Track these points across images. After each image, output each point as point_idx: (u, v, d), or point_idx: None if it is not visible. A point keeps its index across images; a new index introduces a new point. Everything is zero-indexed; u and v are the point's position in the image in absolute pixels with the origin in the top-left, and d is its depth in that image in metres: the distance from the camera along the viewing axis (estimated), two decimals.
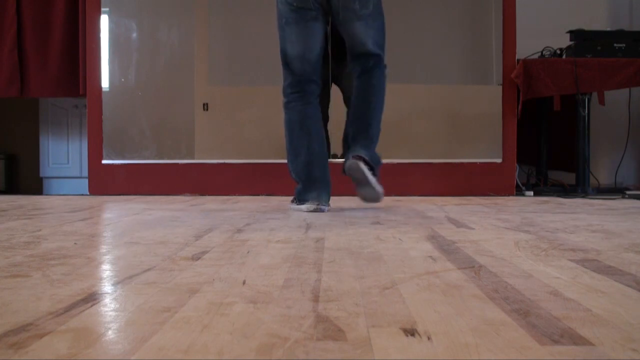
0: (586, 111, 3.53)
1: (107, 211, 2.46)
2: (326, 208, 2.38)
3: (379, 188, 2.40)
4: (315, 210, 2.35)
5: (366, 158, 2.33)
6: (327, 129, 3.47)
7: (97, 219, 2.12)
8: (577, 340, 0.64)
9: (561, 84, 3.42)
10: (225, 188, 3.59)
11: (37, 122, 4.71)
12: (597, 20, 4.15)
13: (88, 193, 3.69)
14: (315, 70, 2.41)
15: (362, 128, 2.42)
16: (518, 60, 3.54)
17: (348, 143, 2.46)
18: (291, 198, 2.55)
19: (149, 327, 0.69)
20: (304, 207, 2.38)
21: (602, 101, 3.50)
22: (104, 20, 3.68)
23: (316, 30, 2.36)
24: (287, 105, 2.43)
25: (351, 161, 2.33)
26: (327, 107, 3.34)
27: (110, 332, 0.68)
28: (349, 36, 2.40)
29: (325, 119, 3.48)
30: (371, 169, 2.35)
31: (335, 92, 3.51)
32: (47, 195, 3.96)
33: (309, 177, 2.38)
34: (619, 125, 3.97)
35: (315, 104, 2.43)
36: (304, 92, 2.40)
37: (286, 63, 2.42)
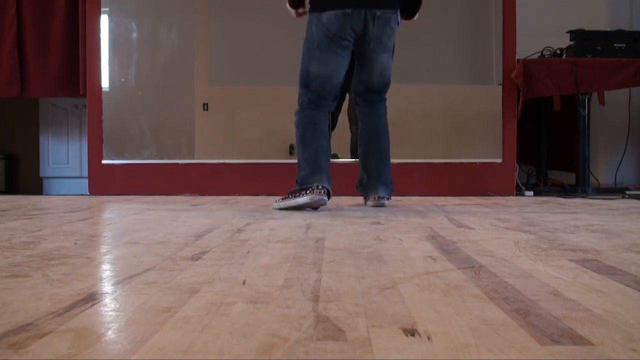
0: (586, 111, 3.53)
1: (107, 211, 2.46)
2: (326, 199, 2.39)
3: (389, 203, 2.63)
4: (315, 202, 2.35)
5: (387, 196, 2.59)
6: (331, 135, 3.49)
7: (97, 219, 2.12)
8: (577, 340, 0.64)
9: (561, 84, 3.42)
10: (225, 188, 3.59)
11: (37, 122, 4.72)
12: (597, 20, 4.15)
13: (88, 193, 3.69)
14: (335, 92, 2.53)
15: (380, 169, 2.60)
16: (518, 60, 3.54)
17: (371, 183, 2.61)
18: (276, 198, 2.60)
19: (149, 327, 0.69)
20: (304, 198, 2.37)
21: (602, 101, 3.50)
22: (104, 20, 3.68)
23: (345, 58, 2.49)
24: (300, 112, 2.55)
25: (377, 202, 2.57)
26: (337, 115, 3.35)
27: (110, 332, 0.68)
28: (372, 65, 2.53)
29: (333, 125, 3.50)
30: (390, 195, 2.64)
31: None
32: (47, 195, 3.96)
33: (318, 163, 2.45)
34: (619, 125, 3.97)
35: (326, 115, 2.56)
36: (321, 106, 2.52)
37: (307, 82, 2.50)
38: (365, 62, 2.53)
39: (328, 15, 2.41)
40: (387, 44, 2.50)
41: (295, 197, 2.42)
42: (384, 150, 2.63)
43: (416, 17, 2.65)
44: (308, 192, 2.38)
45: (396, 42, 2.65)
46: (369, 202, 2.61)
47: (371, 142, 2.63)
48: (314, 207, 2.40)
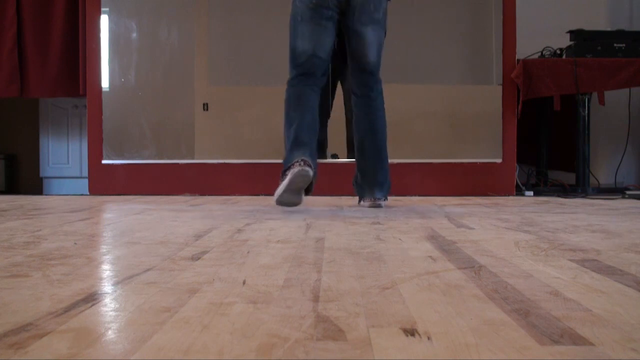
0: (586, 111, 3.53)
1: (107, 211, 2.46)
2: (310, 171, 2.23)
3: (385, 204, 2.56)
4: (299, 176, 2.21)
5: (383, 197, 2.52)
6: (327, 124, 3.48)
7: (97, 219, 2.12)
8: (577, 340, 0.64)
9: (561, 84, 3.42)
10: (225, 188, 3.59)
11: (37, 122, 4.71)
12: (597, 20, 4.14)
13: (88, 193, 3.69)
14: (323, 66, 2.42)
15: (376, 168, 2.52)
16: (518, 60, 3.54)
17: (366, 183, 2.54)
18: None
19: (149, 327, 0.69)
20: (285, 180, 2.24)
21: (602, 101, 3.50)
22: (104, 20, 3.68)
23: (330, 29, 2.39)
24: (287, 89, 2.43)
25: (372, 203, 2.51)
26: (329, 101, 3.34)
27: (110, 332, 0.68)
28: (356, 39, 2.42)
29: (326, 114, 3.48)
30: (386, 196, 2.56)
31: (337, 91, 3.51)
32: (47, 195, 3.96)
33: (298, 139, 2.31)
34: (619, 125, 3.97)
35: (316, 90, 2.43)
36: (307, 83, 2.41)
37: (294, 58, 2.42)
38: (352, 35, 2.42)
39: None
40: (373, 15, 2.38)
41: (280, 184, 2.30)
42: (380, 147, 2.51)
43: None
44: (288, 172, 2.24)
45: (387, 29, 2.54)
46: (364, 203, 2.56)
47: (366, 138, 2.52)
48: (299, 186, 2.25)
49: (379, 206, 2.52)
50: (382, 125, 2.52)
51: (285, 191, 2.27)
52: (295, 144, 2.31)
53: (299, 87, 2.40)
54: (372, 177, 2.53)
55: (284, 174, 2.29)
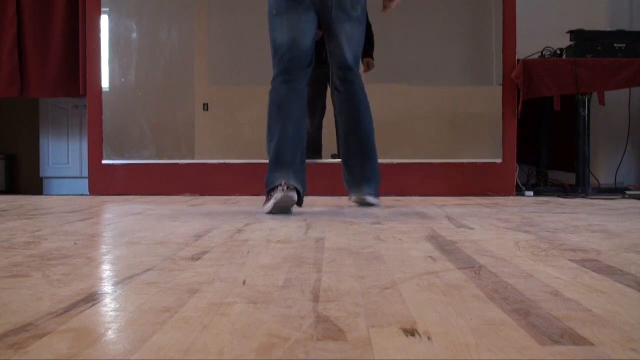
0: (586, 111, 3.53)
1: (107, 211, 2.46)
2: (294, 196, 2.13)
3: (377, 202, 2.52)
4: (282, 202, 2.11)
5: (373, 194, 2.48)
6: (322, 122, 3.48)
7: (97, 219, 2.12)
8: (577, 340, 0.64)
9: (561, 84, 3.42)
10: (225, 188, 3.59)
11: (37, 122, 4.71)
12: (597, 20, 4.14)
13: (88, 193, 3.69)
14: (306, 58, 2.33)
15: (361, 163, 2.47)
16: (518, 60, 3.54)
17: (353, 179, 2.50)
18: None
19: (149, 327, 0.69)
20: (269, 204, 2.14)
21: (602, 101, 3.50)
22: (104, 20, 3.68)
23: (308, 19, 2.31)
24: (270, 92, 2.34)
25: (358, 198, 2.48)
26: (323, 98, 3.32)
27: (110, 332, 0.68)
28: (333, 36, 2.38)
29: (321, 111, 3.46)
30: (376, 192, 2.52)
31: None
32: (47, 195, 3.96)
33: (279, 158, 2.21)
34: (619, 125, 3.97)
35: (300, 90, 2.32)
36: (290, 80, 2.31)
37: (275, 52, 2.33)
38: (329, 32, 2.38)
39: None
40: (350, 12, 2.32)
41: (264, 205, 2.22)
42: (364, 141, 2.45)
43: None
44: (272, 195, 2.14)
45: (370, 21, 2.50)
46: (352, 199, 2.52)
47: (350, 132, 2.46)
48: (283, 210, 2.16)
49: (370, 203, 2.46)
50: (365, 119, 2.47)
51: (272, 210, 2.17)
52: (276, 164, 2.20)
53: (281, 91, 2.30)
54: (358, 172, 2.48)
55: (268, 194, 2.20)
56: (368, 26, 2.58)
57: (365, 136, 2.46)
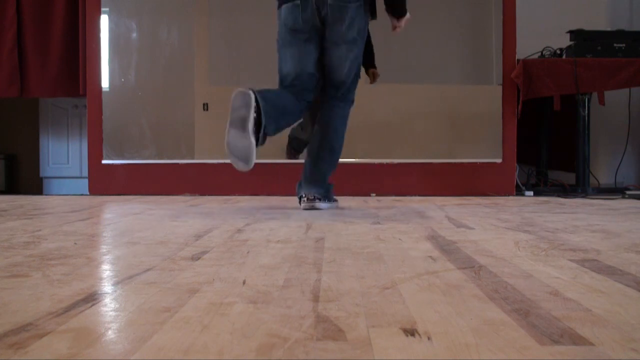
0: (586, 111, 3.53)
1: (107, 211, 2.46)
2: (252, 93, 2.18)
3: (322, 205, 2.49)
4: (238, 98, 2.17)
5: (319, 196, 2.47)
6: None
7: (97, 219, 2.12)
8: (577, 340, 0.64)
9: (561, 84, 3.42)
10: (225, 188, 3.59)
11: (37, 122, 4.71)
12: (597, 20, 4.14)
13: (88, 193, 3.69)
14: (311, 82, 2.43)
15: (312, 165, 2.50)
16: (518, 60, 3.54)
17: (301, 182, 2.52)
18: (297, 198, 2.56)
19: (149, 327, 0.69)
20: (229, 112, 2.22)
21: (602, 101, 3.50)
22: (104, 20, 3.68)
23: (310, 51, 2.41)
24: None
25: (305, 203, 2.46)
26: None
27: (110, 332, 0.68)
28: (329, 57, 2.44)
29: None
30: (325, 198, 2.51)
31: None
32: (47, 195, 3.96)
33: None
34: (619, 125, 3.97)
35: (302, 102, 2.43)
36: (296, 93, 2.42)
37: (280, 81, 2.46)
38: (325, 52, 2.44)
39: (284, 9, 2.40)
40: (346, 35, 2.36)
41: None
42: (322, 145, 2.48)
43: (407, 15, 2.46)
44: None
45: (372, 37, 2.55)
46: (297, 197, 2.53)
47: (316, 134, 2.51)
48: (241, 113, 2.16)
49: (313, 207, 2.44)
50: (335, 127, 2.50)
51: (230, 126, 2.15)
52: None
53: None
54: (308, 172, 2.50)
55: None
56: (368, 38, 2.58)
57: (325, 141, 2.49)
